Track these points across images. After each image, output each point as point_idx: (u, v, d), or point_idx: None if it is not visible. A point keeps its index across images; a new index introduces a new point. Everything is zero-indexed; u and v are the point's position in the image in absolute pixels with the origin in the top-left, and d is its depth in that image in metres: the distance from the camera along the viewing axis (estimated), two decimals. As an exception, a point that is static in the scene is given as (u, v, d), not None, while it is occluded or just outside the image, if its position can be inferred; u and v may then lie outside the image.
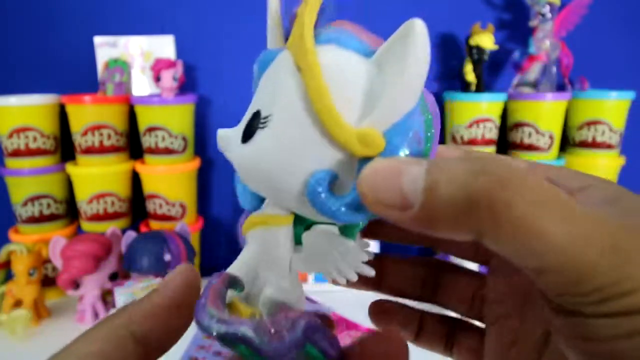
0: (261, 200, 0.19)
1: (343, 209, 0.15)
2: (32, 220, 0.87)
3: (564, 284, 0.13)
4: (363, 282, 0.22)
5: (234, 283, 0.17)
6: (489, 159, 0.15)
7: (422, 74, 0.16)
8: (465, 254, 0.23)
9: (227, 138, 0.18)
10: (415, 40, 0.16)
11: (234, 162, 0.18)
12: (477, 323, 0.23)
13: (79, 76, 0.93)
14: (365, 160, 0.15)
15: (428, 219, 0.14)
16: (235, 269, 0.18)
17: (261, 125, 0.16)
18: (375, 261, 0.19)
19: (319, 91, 0.15)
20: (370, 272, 0.17)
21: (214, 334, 0.14)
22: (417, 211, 0.14)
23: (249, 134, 0.16)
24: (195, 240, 0.91)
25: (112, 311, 0.71)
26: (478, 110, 0.87)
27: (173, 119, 0.86)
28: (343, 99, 0.15)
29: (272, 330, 0.14)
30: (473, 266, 0.23)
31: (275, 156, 0.16)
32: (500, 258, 0.15)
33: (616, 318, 0.13)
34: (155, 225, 0.90)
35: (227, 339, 0.14)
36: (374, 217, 0.16)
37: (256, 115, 0.16)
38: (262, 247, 0.18)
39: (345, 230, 0.18)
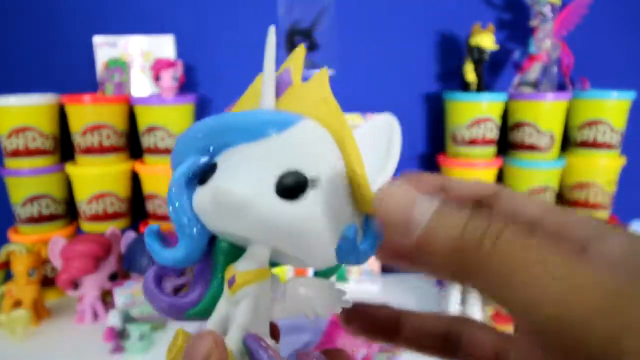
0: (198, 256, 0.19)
1: (364, 253, 0.19)
2: (32, 220, 0.87)
3: (554, 336, 0.13)
4: (382, 335, 0.22)
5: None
6: (494, 217, 0.15)
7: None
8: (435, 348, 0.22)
9: (245, 192, 0.17)
10: (398, 137, 0.21)
11: (264, 215, 0.17)
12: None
13: (78, 76, 0.93)
14: (369, 214, 0.20)
15: (422, 249, 0.16)
16: (214, 324, 0.19)
17: (305, 186, 0.18)
18: (394, 313, 0.22)
19: (359, 162, 0.19)
20: (348, 303, 0.20)
21: None
22: (415, 240, 0.16)
23: (293, 194, 0.18)
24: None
25: (112, 311, 0.71)
26: (478, 110, 0.87)
27: (173, 119, 0.86)
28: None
29: None
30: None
31: (323, 217, 0.18)
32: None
33: None
34: (155, 225, 0.90)
35: None
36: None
37: (294, 175, 0.18)
38: (255, 301, 0.19)
39: (320, 274, 0.21)
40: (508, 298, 0.14)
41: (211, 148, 0.19)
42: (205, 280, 0.19)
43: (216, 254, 0.19)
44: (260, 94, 0.19)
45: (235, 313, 0.18)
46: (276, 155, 0.18)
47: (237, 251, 0.19)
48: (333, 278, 0.21)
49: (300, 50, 0.21)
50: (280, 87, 0.20)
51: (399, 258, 0.20)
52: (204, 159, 0.19)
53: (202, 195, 0.19)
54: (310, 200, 0.18)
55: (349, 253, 0.19)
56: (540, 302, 0.13)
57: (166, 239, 0.20)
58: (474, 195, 0.19)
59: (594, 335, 0.13)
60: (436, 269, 0.16)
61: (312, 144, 0.18)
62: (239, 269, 0.19)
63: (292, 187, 0.18)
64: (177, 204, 0.19)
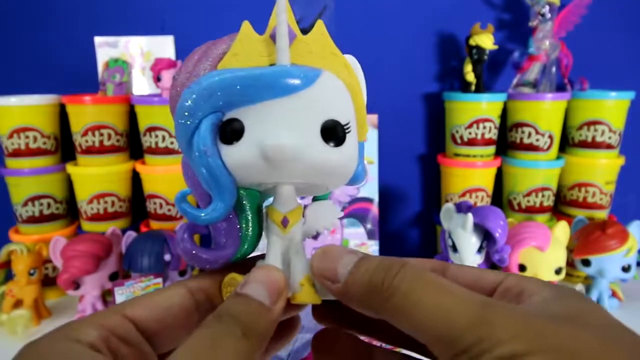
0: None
1: (362, 174, 0.23)
2: (33, 220, 0.87)
3: (445, 347, 0.16)
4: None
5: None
6: (398, 264, 0.19)
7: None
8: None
9: (298, 144, 0.20)
10: (362, 76, 0.24)
11: (316, 162, 0.20)
12: None
13: (79, 76, 0.93)
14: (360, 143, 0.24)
15: (347, 294, 0.19)
16: (272, 261, 0.22)
17: (346, 131, 0.21)
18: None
19: (364, 105, 0.23)
20: (341, 214, 0.25)
21: None
22: (341, 286, 0.19)
23: (340, 139, 0.20)
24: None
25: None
26: (478, 110, 0.87)
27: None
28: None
29: None
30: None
31: (356, 155, 0.22)
32: None
33: None
34: (155, 225, 0.90)
35: None
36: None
37: (334, 123, 0.20)
38: (292, 236, 0.22)
39: (320, 198, 0.24)
40: (404, 326, 0.18)
41: (224, 104, 0.20)
42: (236, 227, 0.21)
43: (244, 202, 0.21)
44: (277, 49, 0.20)
45: (296, 248, 0.22)
46: (312, 108, 0.20)
47: (260, 196, 0.22)
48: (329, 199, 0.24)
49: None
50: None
51: (329, 315, 0.24)
52: (221, 117, 0.20)
53: (243, 151, 0.20)
54: (349, 143, 0.21)
55: (358, 177, 0.23)
56: (426, 326, 0.17)
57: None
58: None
59: (466, 334, 0.16)
60: (360, 309, 0.19)
61: (336, 94, 0.21)
62: (283, 210, 0.21)
63: (337, 135, 0.20)
64: (212, 164, 0.20)
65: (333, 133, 0.20)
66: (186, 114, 0.20)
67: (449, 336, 0.16)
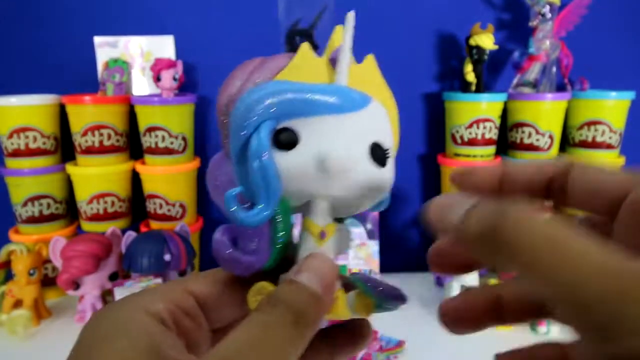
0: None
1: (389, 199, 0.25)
2: (32, 220, 0.87)
3: (569, 316, 0.14)
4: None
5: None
6: (509, 208, 0.16)
7: None
8: None
9: (354, 158, 0.21)
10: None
11: (363, 177, 0.21)
12: None
13: (79, 76, 0.93)
14: None
15: (460, 241, 0.17)
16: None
17: (387, 155, 0.23)
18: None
19: (397, 135, 0.25)
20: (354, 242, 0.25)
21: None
22: (453, 235, 0.17)
23: (383, 162, 0.22)
24: (195, 241, 0.91)
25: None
26: (478, 110, 0.87)
27: (173, 119, 0.86)
28: None
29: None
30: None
31: (392, 179, 0.23)
32: None
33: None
34: (155, 225, 0.90)
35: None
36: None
37: (379, 146, 0.22)
38: (326, 250, 0.22)
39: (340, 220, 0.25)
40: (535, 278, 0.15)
41: (283, 112, 0.21)
42: (268, 235, 0.22)
43: (281, 211, 0.22)
44: (337, 71, 0.22)
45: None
46: (364, 128, 0.22)
47: (292, 209, 0.22)
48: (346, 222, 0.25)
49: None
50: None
51: (447, 260, 0.22)
52: (276, 124, 0.21)
53: (299, 159, 0.21)
54: (389, 166, 0.23)
55: (384, 202, 0.24)
56: (576, 283, 0.14)
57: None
58: (529, 179, 0.19)
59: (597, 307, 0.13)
60: (476, 255, 0.18)
61: (382, 120, 0.23)
62: (320, 223, 0.22)
63: (382, 156, 0.22)
64: (267, 168, 0.20)
65: (379, 154, 0.22)
66: (246, 116, 0.21)
67: (575, 304, 0.14)
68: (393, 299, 0.22)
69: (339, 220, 0.24)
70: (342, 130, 0.21)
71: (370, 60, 0.24)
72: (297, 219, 0.23)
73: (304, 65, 0.22)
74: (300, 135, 0.21)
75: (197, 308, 0.21)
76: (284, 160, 0.21)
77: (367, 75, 0.23)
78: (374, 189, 0.22)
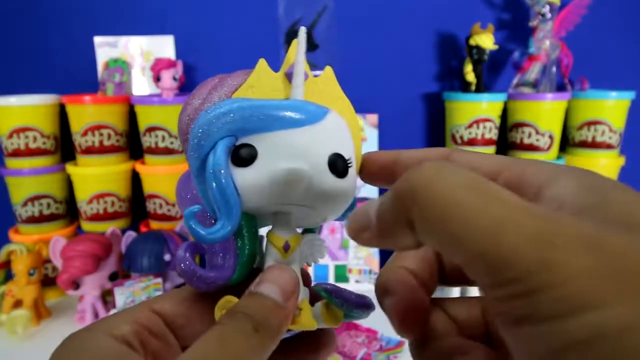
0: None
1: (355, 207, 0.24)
2: (32, 220, 0.87)
3: (488, 271, 0.13)
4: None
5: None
6: (414, 170, 0.16)
7: None
8: None
9: (312, 170, 0.21)
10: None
11: (324, 189, 0.22)
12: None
13: (79, 76, 0.93)
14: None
15: (381, 229, 0.17)
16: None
17: (349, 165, 0.23)
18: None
19: (360, 144, 0.25)
20: (326, 250, 0.25)
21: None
22: (374, 226, 0.17)
23: (343, 172, 0.22)
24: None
25: (112, 311, 0.71)
26: (478, 110, 0.87)
27: (173, 119, 0.86)
28: None
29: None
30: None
31: (354, 188, 0.23)
32: None
33: (552, 323, 0.12)
34: (155, 225, 0.90)
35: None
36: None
37: (339, 156, 0.22)
38: (291, 262, 0.23)
39: (308, 231, 0.25)
40: (441, 235, 0.14)
41: (240, 129, 0.21)
42: (234, 250, 0.22)
43: (243, 225, 0.22)
44: (292, 86, 0.23)
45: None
46: (321, 141, 0.22)
47: (257, 222, 0.23)
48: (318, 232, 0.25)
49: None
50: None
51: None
52: (234, 141, 0.21)
53: (257, 174, 0.21)
54: (350, 176, 0.23)
55: (349, 211, 0.24)
56: (467, 235, 0.13)
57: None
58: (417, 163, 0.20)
59: (520, 265, 0.12)
60: (395, 236, 0.17)
61: (341, 131, 0.23)
62: (285, 236, 0.22)
63: (342, 167, 0.22)
64: (224, 184, 0.21)
65: (338, 165, 0.22)
66: (203, 134, 0.21)
67: (495, 255, 0.13)
68: (359, 307, 0.22)
69: (309, 230, 0.24)
70: (298, 143, 0.21)
71: (328, 72, 0.24)
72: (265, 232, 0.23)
73: (261, 81, 0.23)
74: (258, 150, 0.21)
75: (164, 327, 0.21)
76: (243, 176, 0.21)
77: (325, 88, 0.24)
78: (336, 200, 0.22)
